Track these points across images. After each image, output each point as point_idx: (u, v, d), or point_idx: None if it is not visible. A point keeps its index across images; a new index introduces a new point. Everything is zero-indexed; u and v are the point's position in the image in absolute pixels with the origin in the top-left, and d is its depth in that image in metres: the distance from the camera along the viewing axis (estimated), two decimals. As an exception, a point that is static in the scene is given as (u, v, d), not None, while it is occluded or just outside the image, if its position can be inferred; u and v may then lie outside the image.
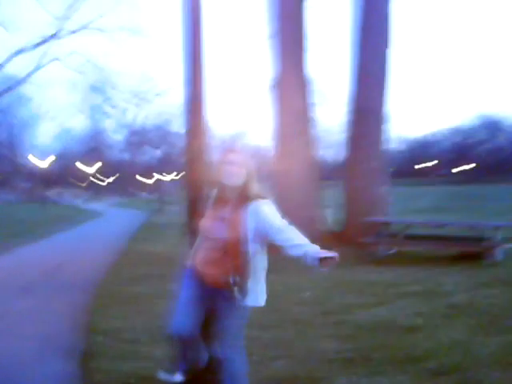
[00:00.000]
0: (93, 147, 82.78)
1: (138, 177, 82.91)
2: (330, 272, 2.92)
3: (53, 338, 5.79)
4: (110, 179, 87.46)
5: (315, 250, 2.95)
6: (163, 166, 61.77)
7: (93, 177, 79.35)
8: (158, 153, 68.57)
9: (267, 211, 3.24)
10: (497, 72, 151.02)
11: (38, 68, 31.57)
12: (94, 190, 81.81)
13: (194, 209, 3.93)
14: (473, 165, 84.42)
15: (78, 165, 79.89)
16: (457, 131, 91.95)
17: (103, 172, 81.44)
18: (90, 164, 77.10)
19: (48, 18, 36.12)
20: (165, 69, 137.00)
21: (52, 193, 67.48)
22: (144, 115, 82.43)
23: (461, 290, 7.55)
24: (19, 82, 34.16)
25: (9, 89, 38.86)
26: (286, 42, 12.23)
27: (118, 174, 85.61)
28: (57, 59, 32.28)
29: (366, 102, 12.37)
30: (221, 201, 3.39)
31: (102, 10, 33.70)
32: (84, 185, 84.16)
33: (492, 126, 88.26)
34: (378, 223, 11.11)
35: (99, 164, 79.02)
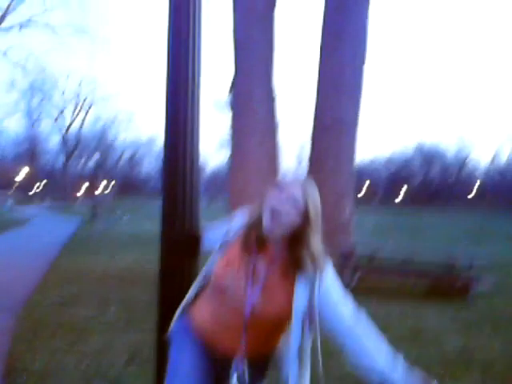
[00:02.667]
0: (28, 149, 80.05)
1: (74, 182, 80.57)
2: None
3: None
4: (42, 184, 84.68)
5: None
6: (99, 173, 60.02)
7: (23, 181, 76.23)
8: (94, 159, 66.87)
9: (333, 291, 2.11)
10: (435, 102, 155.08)
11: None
12: (24, 195, 78.54)
13: (172, 224, 2.72)
14: (401, 197, 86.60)
15: (12, 167, 76.84)
16: (392, 160, 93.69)
17: (37, 176, 78.65)
18: (21, 167, 74.22)
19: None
20: (108, 73, 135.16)
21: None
22: (82, 120, 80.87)
23: (449, 334, 6.74)
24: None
25: None
26: (251, 50, 11.15)
27: (52, 179, 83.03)
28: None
29: (333, 117, 11.20)
30: (257, 245, 2.21)
31: (48, 5, 31.75)
32: (12, 189, 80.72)
33: (428, 158, 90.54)
34: (340, 253, 10.05)
35: (31, 168, 76.28)
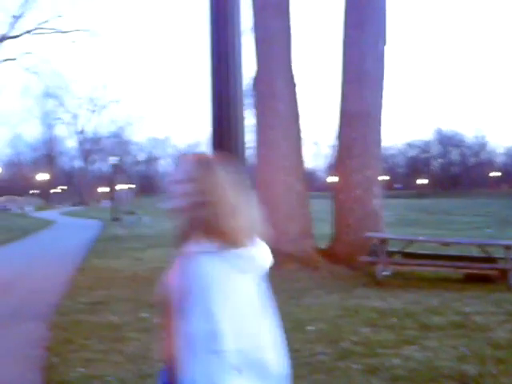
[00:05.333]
0: (45, 154, 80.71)
1: (92, 185, 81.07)
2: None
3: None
4: (63, 187, 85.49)
5: None
6: (121, 175, 60.20)
7: (45, 184, 76.80)
8: (113, 161, 67.08)
9: (185, 276, 1.85)
10: (455, 88, 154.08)
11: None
12: (46, 198, 79.14)
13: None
14: (426, 180, 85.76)
15: (30, 172, 77.66)
16: (412, 145, 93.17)
17: (56, 180, 79.26)
18: (42, 171, 74.85)
19: (2, 15, 34.26)
20: (122, 76, 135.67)
21: (3, 201, 64.67)
22: (98, 122, 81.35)
23: (494, 323, 6.45)
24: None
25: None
26: (270, 39, 11.14)
27: (71, 182, 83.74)
28: (11, 59, 30.62)
29: (356, 106, 11.28)
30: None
31: (60, 10, 31.81)
32: (35, 192, 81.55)
33: (446, 142, 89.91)
34: (373, 240, 9.92)
35: (52, 171, 77.02)
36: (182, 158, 2.08)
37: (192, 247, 1.84)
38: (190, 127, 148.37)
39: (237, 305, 1.85)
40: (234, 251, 1.85)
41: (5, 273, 11.20)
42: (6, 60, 29.99)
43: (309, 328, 6.29)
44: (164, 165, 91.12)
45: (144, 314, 6.96)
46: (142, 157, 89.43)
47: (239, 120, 2.60)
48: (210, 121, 2.57)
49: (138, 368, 4.85)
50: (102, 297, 8.23)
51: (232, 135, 2.56)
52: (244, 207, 1.92)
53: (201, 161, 1.96)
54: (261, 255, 1.98)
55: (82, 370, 4.83)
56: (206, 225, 1.85)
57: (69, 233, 25.36)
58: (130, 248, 16.08)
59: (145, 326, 6.38)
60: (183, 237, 1.93)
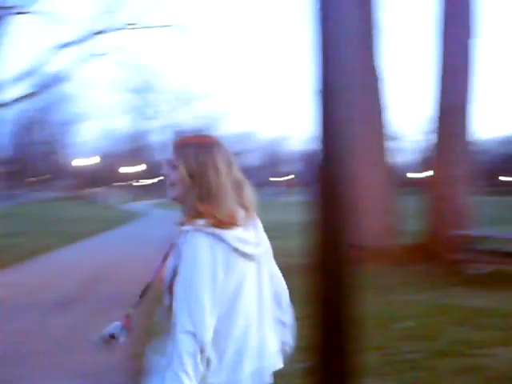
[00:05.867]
0: (135, 148, 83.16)
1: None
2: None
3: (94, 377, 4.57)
4: (152, 180, 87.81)
5: None
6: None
7: (135, 177, 79.29)
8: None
9: (181, 257, 1.81)
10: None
11: (81, 64, 30.87)
12: (136, 190, 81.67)
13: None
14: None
15: (120, 165, 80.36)
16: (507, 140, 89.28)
17: (145, 173, 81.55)
18: (132, 164, 77.27)
19: (93, 12, 35.51)
20: (209, 70, 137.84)
21: (92, 192, 67.22)
22: (186, 117, 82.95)
23: None
24: (62, 79, 33.57)
25: (51, 86, 38.46)
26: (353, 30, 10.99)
27: (158, 175, 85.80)
28: (101, 55, 31.59)
29: (452, 99, 11.01)
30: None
31: (149, 6, 32.53)
32: (126, 185, 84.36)
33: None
34: (468, 237, 9.59)
35: (142, 165, 79.31)
36: (174, 141, 2.04)
37: (187, 227, 1.81)
38: (275, 121, 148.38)
39: (228, 286, 1.83)
40: (228, 232, 1.83)
41: (100, 262, 11.62)
42: (98, 55, 30.95)
43: (396, 326, 6.17)
44: (250, 159, 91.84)
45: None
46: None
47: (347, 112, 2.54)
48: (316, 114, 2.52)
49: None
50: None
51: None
52: (239, 189, 1.94)
53: (194, 143, 1.95)
54: (256, 239, 1.98)
55: None
56: (200, 205, 1.84)
57: (156, 223, 26.03)
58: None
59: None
60: (181, 219, 1.91)
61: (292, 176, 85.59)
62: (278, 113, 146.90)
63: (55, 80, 34.60)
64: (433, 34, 11.55)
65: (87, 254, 13.69)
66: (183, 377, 1.69)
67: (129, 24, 31.12)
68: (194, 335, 1.71)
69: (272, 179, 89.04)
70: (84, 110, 79.35)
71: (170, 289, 1.82)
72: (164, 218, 30.22)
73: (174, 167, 1.92)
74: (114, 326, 2.09)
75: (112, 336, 2.05)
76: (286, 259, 11.31)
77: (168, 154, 1.97)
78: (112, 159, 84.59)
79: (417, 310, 6.95)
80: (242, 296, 1.89)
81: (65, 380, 4.60)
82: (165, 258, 1.98)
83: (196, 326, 1.73)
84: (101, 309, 7.09)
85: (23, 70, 30.03)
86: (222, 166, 1.90)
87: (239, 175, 1.97)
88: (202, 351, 1.73)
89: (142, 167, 79.42)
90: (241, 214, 1.90)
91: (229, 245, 1.82)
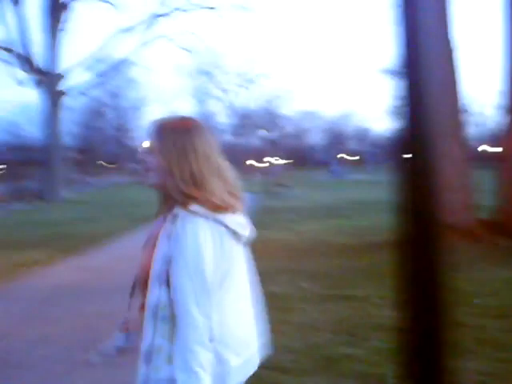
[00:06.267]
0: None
1: (243, 159, 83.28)
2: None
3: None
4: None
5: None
6: (271, 149, 61.16)
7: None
8: (266, 135, 68.47)
9: (177, 244, 1.72)
10: None
11: (145, 49, 31.39)
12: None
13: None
14: None
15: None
16: None
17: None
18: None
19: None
20: (272, 49, 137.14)
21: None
22: (250, 97, 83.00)
23: None
24: (127, 64, 34.18)
25: (117, 72, 39.25)
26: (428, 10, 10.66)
27: (226, 158, 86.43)
28: (167, 39, 31.91)
29: None
30: (163, 208, 1.95)
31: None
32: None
33: None
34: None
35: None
36: (151, 124, 1.91)
37: (180, 211, 1.74)
38: (340, 99, 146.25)
39: (223, 271, 1.78)
40: (227, 215, 1.79)
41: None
42: (158, 37, 31.28)
43: (475, 301, 6.06)
44: (314, 137, 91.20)
45: (304, 284, 7.09)
46: (291, 130, 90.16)
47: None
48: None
49: (306, 337, 4.93)
50: (263, 267, 8.36)
51: None
52: (222, 173, 1.85)
53: (172, 126, 1.86)
54: (245, 223, 1.93)
55: None
56: (190, 190, 1.75)
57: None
58: (285, 219, 16.27)
59: (306, 295, 6.51)
60: (167, 203, 1.84)
61: (358, 154, 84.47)
62: (343, 90, 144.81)
63: (121, 65, 35.33)
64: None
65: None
66: (201, 373, 1.63)
67: (194, 5, 31.34)
68: (206, 327, 1.66)
69: (338, 157, 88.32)
70: (150, 94, 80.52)
71: (165, 280, 1.71)
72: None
73: (151, 152, 1.83)
74: (118, 338, 2.02)
75: (121, 349, 1.99)
76: (353, 238, 11.35)
77: (146, 138, 1.88)
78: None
79: (496, 286, 6.82)
80: (235, 280, 1.85)
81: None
82: (149, 248, 1.83)
83: (207, 317, 1.67)
84: None
85: (89, 56, 30.84)
86: (201, 149, 1.81)
87: (221, 159, 1.89)
88: (211, 342, 1.68)
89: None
90: (229, 198, 1.83)
91: (229, 229, 1.79)
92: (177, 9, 31.11)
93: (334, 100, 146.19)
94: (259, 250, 9.12)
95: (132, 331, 1.99)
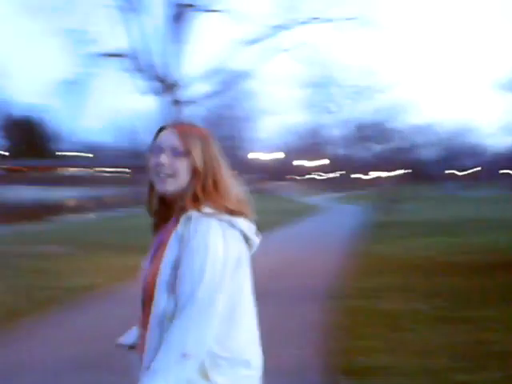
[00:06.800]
0: (310, 142, 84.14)
1: (354, 172, 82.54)
2: None
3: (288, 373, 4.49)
4: (329, 174, 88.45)
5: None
6: (382, 162, 60.14)
7: (316, 171, 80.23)
8: (377, 149, 67.60)
9: (189, 245, 1.63)
10: None
11: (263, 61, 31.74)
12: (312, 184, 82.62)
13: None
14: None
15: (301, 159, 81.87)
16: None
17: (322, 167, 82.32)
18: (312, 158, 78.38)
19: (275, 8, 36.38)
20: (389, 63, 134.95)
21: (274, 186, 69.02)
22: (363, 110, 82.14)
23: None
24: (246, 76, 34.75)
25: (235, 83, 40.03)
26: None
27: (334, 169, 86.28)
28: (284, 51, 32.20)
29: None
30: (161, 216, 1.85)
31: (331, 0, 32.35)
32: (302, 179, 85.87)
33: None
34: None
35: (320, 160, 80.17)
36: (174, 127, 1.82)
37: (194, 213, 1.67)
38: (456, 113, 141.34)
39: (239, 279, 1.71)
40: (240, 219, 1.73)
41: (279, 256, 11.77)
42: (280, 51, 31.66)
43: None
44: (426, 152, 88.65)
45: (418, 305, 6.79)
46: (404, 144, 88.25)
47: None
48: None
49: (422, 362, 4.65)
50: (374, 283, 8.16)
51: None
52: (236, 180, 1.83)
53: (197, 132, 1.81)
54: (256, 230, 1.83)
55: (364, 359, 4.68)
56: (205, 194, 1.71)
57: (333, 217, 26.07)
58: (395, 235, 15.88)
59: (420, 317, 6.21)
60: (175, 212, 1.75)
61: (472, 170, 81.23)
62: (459, 104, 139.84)
63: (239, 77, 36.00)
64: None
65: (270, 245, 13.94)
66: None
67: (312, 18, 31.44)
68: (194, 358, 1.57)
69: (451, 173, 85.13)
70: (265, 106, 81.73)
71: (171, 286, 1.64)
72: (343, 213, 30.30)
73: (181, 155, 1.74)
74: (133, 333, 1.95)
75: (133, 346, 1.91)
76: (466, 256, 10.81)
77: (167, 140, 1.77)
78: (293, 153, 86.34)
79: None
80: (244, 292, 1.76)
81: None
82: (158, 251, 1.76)
83: (208, 328, 1.60)
84: (291, 302, 7.14)
85: (208, 67, 31.63)
86: (220, 157, 1.82)
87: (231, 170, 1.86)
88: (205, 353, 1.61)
89: (325, 161, 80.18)
90: (242, 204, 1.78)
91: (241, 232, 1.73)
92: (296, 21, 31.39)
93: (449, 114, 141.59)
94: (369, 265, 9.01)
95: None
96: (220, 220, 1.67)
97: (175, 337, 1.56)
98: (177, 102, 30.06)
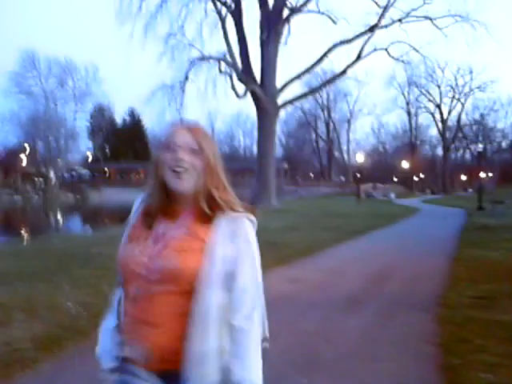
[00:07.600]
0: (407, 142, 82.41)
1: (452, 173, 79.98)
2: None
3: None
4: (423, 175, 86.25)
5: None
6: (481, 162, 57.95)
7: (406, 172, 78.49)
8: (476, 149, 65.18)
9: (242, 246, 1.77)
10: None
11: (358, 59, 31.37)
12: (407, 185, 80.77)
13: None
14: None
15: (392, 160, 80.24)
16: None
17: (417, 168, 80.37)
18: (404, 159, 76.70)
19: (370, 6, 36.07)
20: (489, 60, 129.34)
21: (368, 188, 68.07)
22: (461, 109, 79.55)
23: None
24: (341, 76, 34.49)
25: (329, 82, 39.90)
26: None
27: (431, 170, 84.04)
28: (380, 49, 31.73)
29: None
30: (161, 210, 1.85)
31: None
32: (397, 180, 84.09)
33: None
34: None
35: (413, 160, 78.39)
36: (189, 126, 1.86)
37: (238, 214, 1.80)
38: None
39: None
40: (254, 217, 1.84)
41: (380, 260, 11.52)
42: (374, 50, 31.29)
43: None
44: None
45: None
46: (506, 143, 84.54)
47: None
48: None
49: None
50: (486, 291, 7.66)
51: None
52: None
53: (202, 131, 1.85)
54: None
55: (486, 375, 4.31)
56: (226, 195, 1.83)
57: (432, 220, 25.25)
58: (502, 239, 15.10)
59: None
60: (192, 208, 1.82)
61: None
62: None
63: (335, 78, 35.77)
64: None
65: (364, 249, 13.65)
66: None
67: (407, 17, 30.82)
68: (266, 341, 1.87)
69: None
70: (361, 107, 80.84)
71: (223, 282, 1.72)
72: (443, 215, 29.28)
73: (196, 153, 1.79)
74: (114, 348, 1.94)
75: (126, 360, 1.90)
76: None
77: (183, 138, 1.79)
78: (385, 155, 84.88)
79: None
80: None
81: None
82: (161, 242, 1.79)
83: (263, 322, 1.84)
84: (389, 311, 6.80)
85: (304, 69, 31.59)
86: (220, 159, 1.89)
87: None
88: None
89: (414, 163, 78.27)
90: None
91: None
92: (394, 20, 30.85)
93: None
94: (475, 271, 8.47)
95: None
96: (253, 221, 1.82)
97: (255, 326, 1.72)
98: (273, 106, 30.25)
